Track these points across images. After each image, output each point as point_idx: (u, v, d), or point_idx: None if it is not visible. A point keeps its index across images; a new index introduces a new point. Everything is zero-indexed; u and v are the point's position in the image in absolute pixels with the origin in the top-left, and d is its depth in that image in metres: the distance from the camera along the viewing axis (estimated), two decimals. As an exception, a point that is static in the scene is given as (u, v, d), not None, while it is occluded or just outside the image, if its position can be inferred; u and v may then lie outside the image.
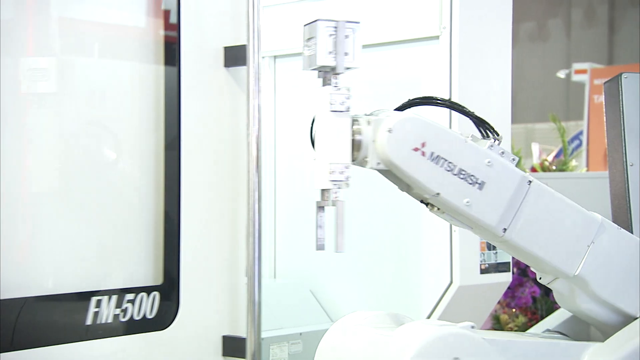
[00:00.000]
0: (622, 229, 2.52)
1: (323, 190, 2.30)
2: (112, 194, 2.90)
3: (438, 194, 2.30)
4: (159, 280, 2.96)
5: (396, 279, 3.59)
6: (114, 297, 2.82)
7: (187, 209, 2.99)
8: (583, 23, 16.01)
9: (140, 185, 2.96)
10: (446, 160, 2.28)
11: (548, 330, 2.62)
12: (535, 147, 9.73)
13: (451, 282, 3.28)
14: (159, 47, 3.00)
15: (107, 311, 2.80)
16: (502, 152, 2.38)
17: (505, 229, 2.35)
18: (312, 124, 2.35)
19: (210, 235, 3.06)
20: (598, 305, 2.48)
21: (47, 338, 2.69)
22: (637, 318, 2.47)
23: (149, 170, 2.97)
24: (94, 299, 2.78)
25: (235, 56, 3.10)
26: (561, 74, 13.44)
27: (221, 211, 3.08)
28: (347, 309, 3.63)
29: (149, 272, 2.96)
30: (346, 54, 2.25)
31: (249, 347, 2.98)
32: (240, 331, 3.07)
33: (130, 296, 2.87)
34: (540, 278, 2.53)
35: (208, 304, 3.05)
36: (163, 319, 2.93)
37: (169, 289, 2.96)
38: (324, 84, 2.30)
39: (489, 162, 2.33)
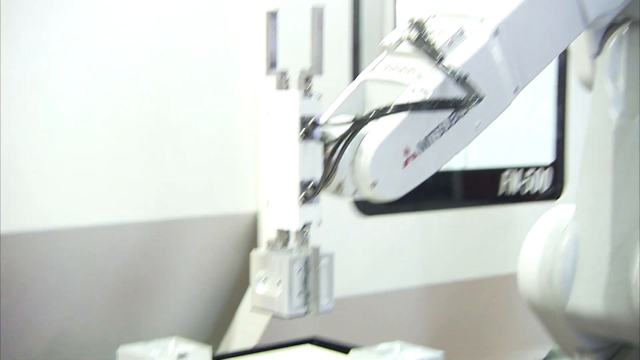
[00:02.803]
0: None
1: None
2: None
3: (456, 152, 2.07)
4: (550, 159, 3.61)
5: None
6: (519, 173, 3.54)
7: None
8: None
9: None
10: (432, 131, 2.00)
11: None
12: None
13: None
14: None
15: (514, 184, 3.55)
16: (450, 42, 2.01)
17: (516, 89, 2.11)
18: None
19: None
20: None
21: (469, 203, 3.55)
22: None
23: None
24: (504, 174, 3.56)
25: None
26: None
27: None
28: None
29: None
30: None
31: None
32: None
33: (529, 172, 3.57)
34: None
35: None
36: (554, 191, 3.59)
37: (558, 167, 3.59)
38: None
39: (461, 76, 1.97)
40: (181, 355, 2.05)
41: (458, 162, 3.53)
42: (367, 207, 3.13)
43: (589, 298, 2.45)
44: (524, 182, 3.56)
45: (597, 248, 2.45)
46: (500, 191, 3.55)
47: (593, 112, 2.50)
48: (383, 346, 2.15)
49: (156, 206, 2.77)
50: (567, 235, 2.51)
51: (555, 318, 2.53)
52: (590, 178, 2.49)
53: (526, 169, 3.57)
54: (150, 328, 2.84)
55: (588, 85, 2.54)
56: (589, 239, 2.47)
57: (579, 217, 2.51)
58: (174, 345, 2.13)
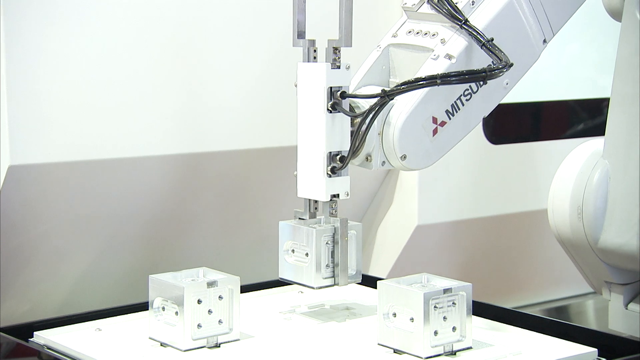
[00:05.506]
0: None
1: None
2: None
3: (485, 114, 2.07)
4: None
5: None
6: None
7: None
8: None
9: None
10: (460, 96, 1.98)
11: None
12: None
13: None
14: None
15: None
16: (472, 1, 1.97)
17: (545, 41, 2.11)
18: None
19: None
20: None
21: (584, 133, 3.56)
22: None
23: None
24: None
25: None
26: None
27: None
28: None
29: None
30: None
31: None
32: None
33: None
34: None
35: None
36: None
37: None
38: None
39: (486, 40, 1.93)
40: (210, 283, 2.07)
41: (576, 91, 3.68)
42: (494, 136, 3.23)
43: (620, 234, 2.45)
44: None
45: (628, 184, 2.42)
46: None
47: (622, 43, 2.42)
48: (410, 277, 2.17)
49: (192, 140, 2.75)
50: (598, 171, 2.47)
51: (585, 253, 2.53)
52: (620, 112, 2.43)
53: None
54: (180, 259, 2.87)
55: (617, 15, 2.45)
56: (619, 174, 2.44)
57: (608, 152, 2.46)
58: (203, 274, 2.16)
